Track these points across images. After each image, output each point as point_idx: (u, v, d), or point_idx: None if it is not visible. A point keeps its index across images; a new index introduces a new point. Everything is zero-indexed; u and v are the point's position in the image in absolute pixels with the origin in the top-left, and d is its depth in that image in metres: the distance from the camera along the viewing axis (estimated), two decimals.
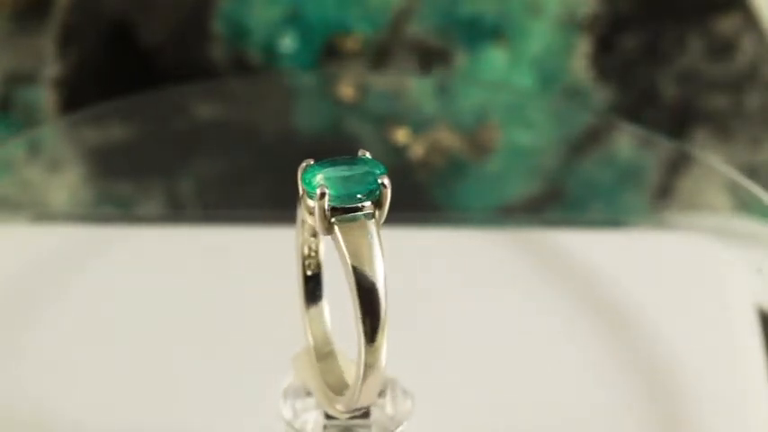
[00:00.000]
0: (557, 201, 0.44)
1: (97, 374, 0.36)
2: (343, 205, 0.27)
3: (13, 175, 0.44)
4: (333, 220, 0.27)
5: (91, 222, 0.43)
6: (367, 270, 0.26)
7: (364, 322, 0.26)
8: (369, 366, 0.27)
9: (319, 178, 0.27)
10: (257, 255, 0.39)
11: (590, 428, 0.35)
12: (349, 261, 0.26)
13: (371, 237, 0.26)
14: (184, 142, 0.44)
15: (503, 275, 0.39)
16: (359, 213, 0.27)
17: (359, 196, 0.27)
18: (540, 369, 0.36)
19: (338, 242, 0.26)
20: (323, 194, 0.27)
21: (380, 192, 0.27)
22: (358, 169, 0.27)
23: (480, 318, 0.38)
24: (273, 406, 0.32)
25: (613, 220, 0.43)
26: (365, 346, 0.26)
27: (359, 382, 0.27)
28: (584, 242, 0.40)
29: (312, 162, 0.27)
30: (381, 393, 0.31)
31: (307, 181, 0.27)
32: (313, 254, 0.30)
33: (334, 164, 0.27)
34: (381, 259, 0.26)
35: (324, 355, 0.31)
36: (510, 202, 0.44)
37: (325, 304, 0.31)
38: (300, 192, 0.27)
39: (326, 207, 0.27)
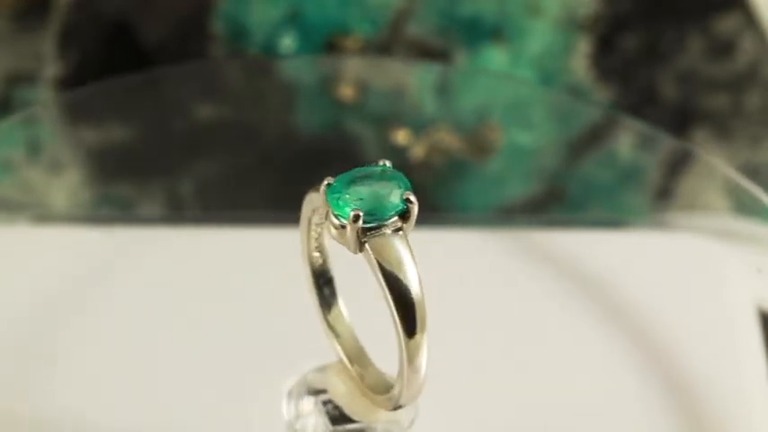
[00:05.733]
0: (557, 201, 0.44)
1: (96, 374, 0.36)
2: (374, 225, 0.27)
3: (13, 176, 0.44)
4: (364, 238, 0.27)
5: (91, 223, 0.43)
6: (401, 273, 0.27)
7: (402, 320, 0.27)
8: (410, 363, 0.27)
9: (349, 199, 0.27)
10: (258, 255, 0.39)
11: (591, 429, 0.35)
12: (382, 270, 0.26)
13: (403, 248, 0.27)
14: (184, 142, 0.44)
15: (503, 276, 0.39)
16: (387, 230, 0.27)
17: (389, 215, 0.27)
18: (540, 370, 0.36)
19: (371, 258, 0.27)
20: (357, 217, 0.27)
21: (408, 208, 0.27)
22: (383, 187, 0.27)
23: (481, 318, 0.38)
24: (275, 408, 0.32)
25: (614, 220, 0.43)
26: (405, 343, 0.27)
27: (402, 382, 0.28)
28: (585, 243, 0.40)
29: (333, 180, 0.27)
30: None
31: (334, 202, 0.27)
32: (320, 261, 0.31)
33: (356, 180, 0.27)
34: (414, 265, 0.27)
35: (356, 357, 0.31)
36: (510, 203, 0.44)
37: (342, 306, 0.31)
38: (324, 210, 0.28)
39: (360, 229, 0.27)
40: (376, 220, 0.27)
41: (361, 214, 0.27)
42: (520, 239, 0.40)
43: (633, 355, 0.37)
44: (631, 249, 0.40)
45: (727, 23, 0.48)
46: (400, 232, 0.27)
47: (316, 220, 0.29)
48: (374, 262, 0.27)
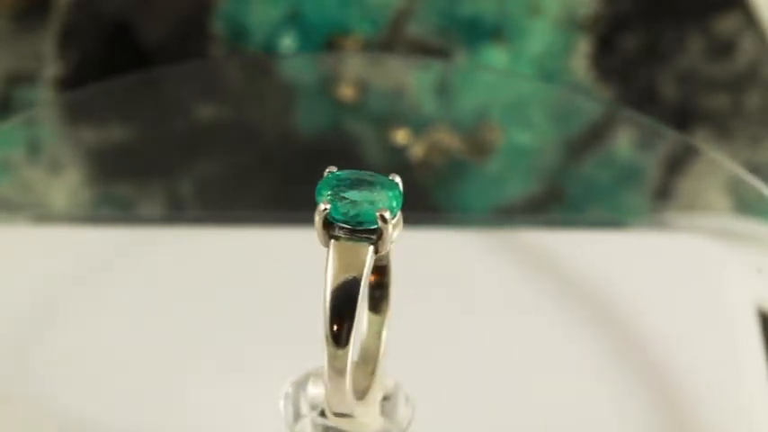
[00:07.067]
0: (557, 201, 0.44)
1: (95, 374, 0.36)
2: (340, 225, 0.27)
3: (13, 176, 0.44)
4: (333, 233, 0.27)
5: (91, 224, 0.43)
6: (347, 282, 0.26)
7: (333, 325, 0.26)
8: (335, 372, 0.27)
9: (330, 193, 0.27)
10: (258, 255, 0.39)
11: (591, 429, 0.35)
12: (332, 271, 0.26)
13: (362, 261, 0.27)
14: (184, 142, 0.44)
15: (503, 276, 0.39)
16: (361, 236, 0.27)
17: (356, 222, 0.27)
18: (540, 371, 0.36)
19: (327, 256, 0.27)
20: (324, 210, 0.27)
21: (379, 227, 0.27)
22: (369, 197, 0.27)
23: (480, 319, 0.38)
24: (275, 408, 0.32)
25: (613, 220, 0.43)
26: (330, 352, 0.27)
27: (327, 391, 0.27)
28: (584, 243, 0.40)
29: (335, 170, 0.27)
30: (385, 398, 0.31)
31: (320, 189, 0.27)
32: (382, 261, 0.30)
33: (352, 180, 0.27)
34: (365, 281, 0.26)
35: (367, 360, 0.30)
36: (510, 203, 0.44)
37: (388, 316, 0.31)
38: None
39: (326, 222, 0.27)
40: (346, 223, 0.27)
41: (327, 208, 0.27)
42: (519, 239, 0.40)
43: (633, 354, 0.37)
44: (631, 250, 0.40)
45: (727, 23, 0.48)
46: (371, 247, 0.27)
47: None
48: (328, 260, 0.27)
